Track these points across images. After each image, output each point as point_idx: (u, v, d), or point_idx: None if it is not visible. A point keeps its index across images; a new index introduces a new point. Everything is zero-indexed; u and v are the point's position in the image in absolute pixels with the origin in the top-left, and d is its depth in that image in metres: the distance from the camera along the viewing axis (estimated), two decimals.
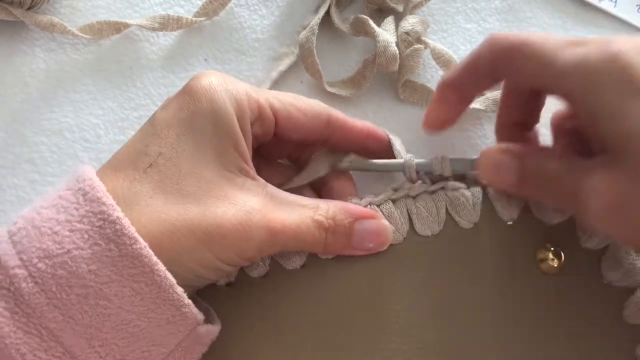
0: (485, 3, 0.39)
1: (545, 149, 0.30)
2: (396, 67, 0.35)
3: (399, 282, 0.30)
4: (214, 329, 0.28)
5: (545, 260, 0.30)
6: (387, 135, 0.33)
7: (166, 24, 0.37)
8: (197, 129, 0.27)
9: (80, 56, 0.37)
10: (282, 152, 0.33)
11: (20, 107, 0.36)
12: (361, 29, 0.36)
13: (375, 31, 0.35)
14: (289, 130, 0.30)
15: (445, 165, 0.31)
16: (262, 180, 0.29)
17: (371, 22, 0.35)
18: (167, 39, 0.38)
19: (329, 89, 0.36)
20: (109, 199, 0.25)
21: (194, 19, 0.37)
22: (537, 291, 0.30)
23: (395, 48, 0.35)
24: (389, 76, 0.37)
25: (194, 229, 0.26)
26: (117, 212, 0.25)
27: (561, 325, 0.30)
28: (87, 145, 0.36)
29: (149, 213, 0.26)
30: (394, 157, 0.32)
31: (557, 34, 0.38)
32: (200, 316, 0.26)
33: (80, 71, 0.37)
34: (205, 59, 0.37)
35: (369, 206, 0.31)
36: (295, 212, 0.28)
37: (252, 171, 0.28)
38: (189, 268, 0.26)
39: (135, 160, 0.27)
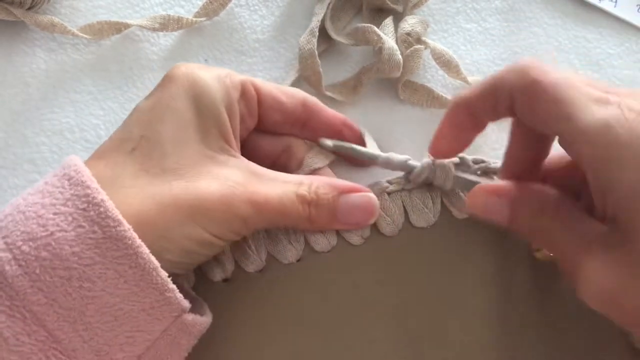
0: (486, 3, 0.39)
1: (539, 195, 0.27)
2: (399, 74, 0.35)
3: (396, 274, 0.31)
4: (203, 320, 0.28)
5: (540, 248, 0.30)
6: (361, 131, 0.33)
7: (166, 24, 0.37)
8: (178, 109, 0.28)
9: (80, 56, 0.37)
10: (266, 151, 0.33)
11: (21, 107, 0.36)
12: (362, 39, 0.36)
13: (380, 38, 0.35)
14: (271, 109, 0.31)
15: (449, 180, 0.30)
16: (244, 159, 0.29)
17: (375, 29, 0.35)
18: (167, 39, 0.38)
19: (327, 92, 0.36)
20: (93, 182, 0.25)
21: (194, 19, 0.37)
22: (533, 279, 0.30)
23: (400, 56, 0.35)
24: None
25: (180, 203, 0.26)
26: (102, 195, 0.25)
27: (558, 312, 0.30)
28: (88, 146, 0.36)
29: (134, 193, 0.26)
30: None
31: (557, 34, 0.38)
32: (185, 303, 0.26)
33: (81, 71, 0.37)
34: (206, 60, 0.37)
35: None
36: (278, 186, 0.29)
37: (234, 150, 0.29)
38: (180, 244, 0.26)
39: (118, 146, 0.27)
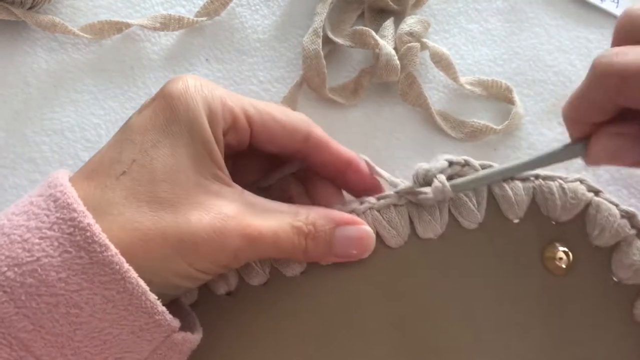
0: (487, 3, 0.39)
1: None
2: (396, 78, 0.35)
3: (402, 286, 0.30)
4: (193, 338, 0.27)
5: (553, 259, 0.30)
6: (368, 163, 0.31)
7: (167, 23, 0.37)
8: (173, 135, 0.27)
9: (81, 56, 0.37)
10: (257, 170, 0.33)
11: (22, 106, 0.36)
12: (360, 41, 0.36)
13: (377, 43, 0.35)
14: (264, 142, 0.29)
15: (444, 193, 0.29)
16: (238, 187, 0.28)
17: (373, 33, 0.35)
18: (168, 38, 0.38)
19: (329, 95, 0.36)
20: (79, 206, 0.24)
21: (195, 18, 0.37)
22: (545, 291, 0.30)
23: (398, 62, 0.35)
24: None
25: (168, 238, 0.25)
26: (88, 219, 0.24)
27: (570, 325, 0.29)
28: (88, 145, 0.36)
29: (121, 222, 0.25)
30: (373, 192, 0.31)
31: (558, 35, 0.38)
32: (175, 323, 0.25)
33: (82, 71, 0.37)
34: (207, 59, 0.37)
35: (368, 211, 0.30)
36: (273, 218, 0.28)
37: (228, 178, 0.28)
38: (163, 277, 0.25)
39: (108, 167, 0.26)
